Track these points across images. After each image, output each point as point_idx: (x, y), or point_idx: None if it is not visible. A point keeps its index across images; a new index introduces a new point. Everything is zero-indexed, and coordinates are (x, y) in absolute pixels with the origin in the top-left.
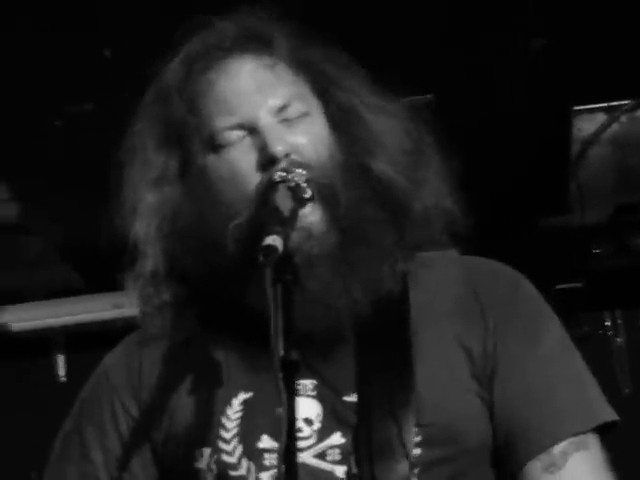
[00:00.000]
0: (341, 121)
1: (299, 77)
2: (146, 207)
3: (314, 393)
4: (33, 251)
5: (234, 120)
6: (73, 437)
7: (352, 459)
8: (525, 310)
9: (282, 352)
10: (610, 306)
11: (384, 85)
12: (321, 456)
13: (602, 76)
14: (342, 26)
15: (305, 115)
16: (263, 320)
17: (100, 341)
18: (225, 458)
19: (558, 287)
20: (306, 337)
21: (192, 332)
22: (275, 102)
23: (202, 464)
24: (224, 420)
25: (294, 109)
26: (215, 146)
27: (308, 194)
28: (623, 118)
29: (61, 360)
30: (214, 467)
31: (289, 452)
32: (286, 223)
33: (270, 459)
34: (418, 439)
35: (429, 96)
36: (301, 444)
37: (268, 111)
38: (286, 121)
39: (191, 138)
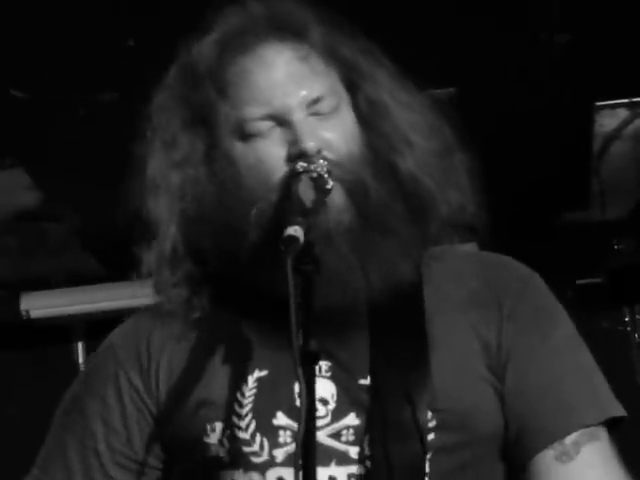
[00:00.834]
0: (369, 116)
1: (330, 69)
2: (169, 186)
3: (329, 374)
4: (55, 238)
5: (266, 111)
6: (75, 408)
7: (365, 440)
8: (537, 304)
9: (301, 342)
10: (630, 302)
11: (408, 77)
12: (335, 436)
13: (624, 72)
14: (365, 17)
15: (336, 109)
16: (278, 302)
17: None
18: (238, 434)
19: (578, 282)
20: (321, 316)
21: (205, 311)
22: (308, 95)
23: (213, 439)
24: (239, 396)
25: (326, 103)
26: (244, 134)
27: (330, 185)
28: None
29: (81, 347)
30: (226, 442)
31: (307, 446)
32: (308, 214)
33: (285, 436)
34: (432, 424)
35: (451, 89)
36: (316, 423)
37: (301, 104)
38: (317, 115)
39: (219, 122)
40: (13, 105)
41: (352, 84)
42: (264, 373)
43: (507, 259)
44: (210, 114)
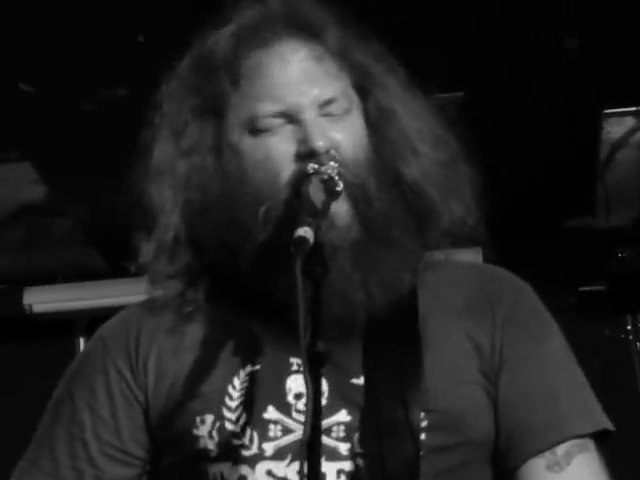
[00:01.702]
0: (378, 122)
1: (343, 72)
2: (175, 174)
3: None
4: (58, 233)
5: (279, 107)
6: (64, 399)
7: (356, 437)
8: (530, 314)
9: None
10: (632, 310)
11: (417, 84)
12: (326, 432)
13: (633, 80)
14: (375, 19)
15: (347, 113)
16: (278, 301)
17: None
18: (229, 426)
19: (581, 289)
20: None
21: (199, 305)
22: (322, 96)
23: (202, 431)
24: (230, 389)
25: (338, 105)
26: (254, 129)
27: (340, 187)
28: None
29: (82, 343)
30: (216, 435)
31: (313, 447)
32: (318, 215)
33: (275, 430)
34: (424, 424)
35: (460, 93)
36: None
37: (313, 103)
38: (328, 116)
39: (229, 114)
40: (20, 99)
41: (363, 89)
42: (256, 368)
43: (502, 270)
44: (221, 105)
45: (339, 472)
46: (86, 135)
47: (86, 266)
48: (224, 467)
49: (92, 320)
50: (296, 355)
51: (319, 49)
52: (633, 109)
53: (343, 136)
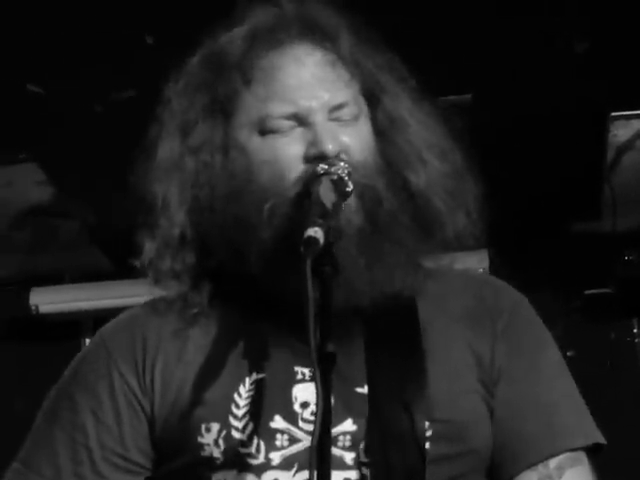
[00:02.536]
0: (388, 130)
1: (354, 79)
2: (183, 171)
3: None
4: (66, 234)
5: (290, 110)
6: (64, 404)
7: (361, 446)
8: (528, 327)
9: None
10: (638, 313)
11: (424, 84)
12: (333, 441)
13: None
14: (382, 22)
15: (356, 119)
16: (285, 303)
17: None
18: (235, 434)
19: (587, 292)
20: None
21: (203, 308)
22: (333, 100)
23: (208, 439)
24: (236, 397)
25: (348, 111)
26: (264, 130)
27: (350, 187)
28: None
29: (88, 344)
30: (222, 443)
31: (323, 454)
32: (328, 216)
33: (282, 440)
34: (428, 433)
35: (467, 96)
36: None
37: (324, 107)
38: (338, 121)
39: (239, 114)
40: (29, 100)
41: (373, 97)
42: (261, 376)
43: (500, 282)
44: (232, 104)
45: None
46: (95, 137)
47: (92, 267)
48: (229, 475)
49: (98, 321)
50: (301, 364)
51: (332, 54)
52: None
53: (352, 140)
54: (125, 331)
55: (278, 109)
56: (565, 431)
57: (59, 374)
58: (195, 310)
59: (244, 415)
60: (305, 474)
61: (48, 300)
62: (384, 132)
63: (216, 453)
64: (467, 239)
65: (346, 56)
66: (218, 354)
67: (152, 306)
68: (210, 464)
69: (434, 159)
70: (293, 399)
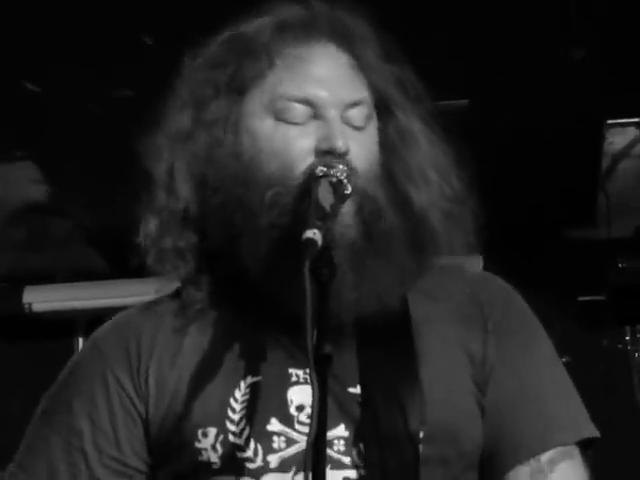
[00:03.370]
0: (396, 143)
1: (371, 88)
2: (195, 144)
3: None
4: (60, 233)
5: (303, 94)
6: (59, 407)
7: (355, 451)
8: (520, 321)
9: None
10: (631, 321)
11: (421, 87)
12: (328, 444)
13: (636, 91)
14: (381, 25)
15: (365, 126)
16: (281, 306)
17: None
18: (232, 439)
19: (580, 299)
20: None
21: (204, 305)
22: (348, 97)
23: (205, 444)
24: (232, 401)
25: (361, 111)
26: (277, 114)
27: (349, 190)
28: None
29: (81, 343)
30: (219, 447)
31: (318, 443)
32: (326, 218)
33: (279, 442)
34: (421, 435)
35: (464, 101)
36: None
37: (339, 103)
38: (349, 124)
39: (255, 96)
40: (26, 98)
41: (386, 110)
42: (256, 379)
43: (491, 276)
44: (252, 84)
45: (345, 479)
46: (91, 136)
47: (86, 266)
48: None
49: (91, 320)
50: (295, 366)
51: (356, 60)
52: (636, 120)
53: (358, 147)
54: (119, 334)
55: (293, 91)
56: (557, 425)
57: (52, 372)
58: (196, 307)
59: (240, 419)
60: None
61: (41, 298)
62: (392, 145)
63: (214, 458)
64: (461, 259)
65: (368, 65)
66: (213, 357)
67: (147, 307)
68: (208, 469)
69: (438, 179)
70: (289, 402)
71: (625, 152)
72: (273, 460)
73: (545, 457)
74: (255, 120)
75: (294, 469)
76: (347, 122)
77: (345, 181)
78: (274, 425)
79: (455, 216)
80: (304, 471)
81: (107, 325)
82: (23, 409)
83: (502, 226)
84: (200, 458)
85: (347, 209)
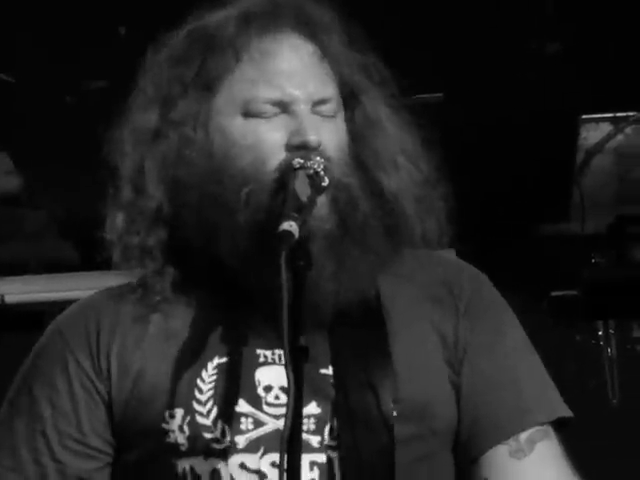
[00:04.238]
0: (364, 130)
1: (337, 77)
2: (162, 144)
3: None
4: (33, 225)
5: (276, 95)
6: (22, 392)
7: (326, 429)
8: (491, 304)
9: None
10: (604, 316)
11: (397, 81)
12: None
13: (610, 86)
14: (357, 19)
15: (334, 116)
16: (253, 292)
17: None
18: (200, 420)
19: (553, 294)
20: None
21: (165, 296)
22: (318, 94)
23: (172, 426)
24: (199, 382)
25: (329, 107)
26: (248, 112)
27: (326, 182)
28: (628, 130)
29: None
30: (186, 428)
31: (293, 438)
32: (303, 210)
33: (247, 423)
34: (394, 414)
35: (438, 95)
36: (277, 411)
37: (309, 98)
38: (319, 115)
39: (224, 92)
40: None
41: (352, 98)
42: (223, 360)
43: (458, 260)
44: (218, 81)
45: (312, 464)
46: (64, 128)
47: (59, 258)
48: (195, 461)
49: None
50: (262, 347)
51: (321, 49)
52: (610, 115)
53: (330, 136)
54: (80, 317)
55: (265, 93)
56: (534, 406)
57: (20, 364)
58: (157, 298)
59: (207, 400)
60: (272, 456)
61: (14, 290)
62: (360, 133)
63: (181, 439)
64: (434, 243)
65: (333, 54)
66: (179, 339)
67: (111, 292)
68: (175, 450)
69: (407, 164)
70: (256, 382)
71: (599, 147)
72: (241, 441)
73: (523, 436)
74: (225, 118)
75: (262, 450)
76: (317, 113)
77: (322, 173)
78: (242, 406)
79: (426, 200)
80: (279, 461)
81: (69, 310)
82: None
83: (475, 220)
84: (167, 439)
85: (322, 200)
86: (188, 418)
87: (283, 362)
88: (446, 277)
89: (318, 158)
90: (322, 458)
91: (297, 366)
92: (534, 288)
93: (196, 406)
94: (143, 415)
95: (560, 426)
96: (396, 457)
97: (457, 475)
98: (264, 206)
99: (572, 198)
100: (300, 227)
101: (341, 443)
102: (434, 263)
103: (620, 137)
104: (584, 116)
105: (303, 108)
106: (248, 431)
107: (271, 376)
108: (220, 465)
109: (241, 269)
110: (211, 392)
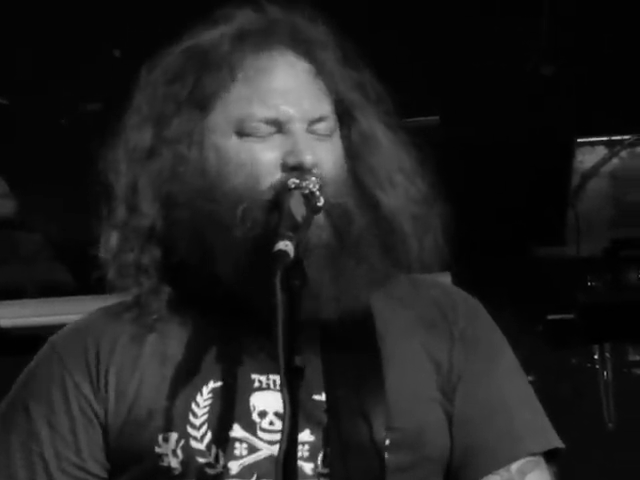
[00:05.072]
0: (360, 148)
1: (332, 95)
2: (156, 162)
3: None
4: (28, 248)
5: (272, 114)
6: (18, 410)
7: (320, 457)
8: (484, 330)
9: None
10: (600, 339)
11: (394, 104)
12: None
13: (605, 109)
14: (353, 39)
15: (330, 135)
16: (246, 311)
17: None
18: (193, 444)
19: (550, 317)
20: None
21: (161, 315)
22: (314, 113)
23: (166, 449)
24: (194, 406)
25: (325, 126)
26: (242, 131)
27: (321, 202)
28: (623, 153)
29: None
30: (180, 453)
31: (288, 458)
32: (298, 229)
33: (240, 449)
34: (387, 442)
35: (435, 118)
36: (272, 437)
37: (304, 117)
38: (314, 134)
39: (218, 111)
40: None
41: (348, 115)
42: (218, 384)
43: (452, 286)
44: (213, 99)
45: None
46: (59, 150)
47: (54, 281)
48: None
49: None
50: (257, 372)
51: (316, 67)
52: (605, 138)
53: (326, 156)
54: (77, 338)
55: (260, 112)
56: (526, 436)
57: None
58: (153, 317)
59: (202, 424)
60: None
61: (9, 314)
62: (356, 151)
63: (174, 463)
64: (431, 263)
65: (328, 71)
66: (175, 361)
67: (106, 312)
68: (168, 474)
69: (404, 182)
70: (251, 408)
71: (594, 171)
72: (234, 467)
73: (515, 467)
74: (219, 136)
75: (255, 476)
76: (313, 132)
77: (317, 193)
78: (236, 431)
79: (423, 218)
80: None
81: (65, 329)
82: None
83: (471, 243)
84: (160, 463)
85: (318, 219)
86: (182, 442)
87: (278, 387)
88: (440, 301)
89: (313, 178)
90: None
91: (293, 393)
92: (530, 311)
93: (190, 430)
94: (137, 438)
95: (552, 457)
96: None
97: None
98: (260, 222)
99: (568, 221)
100: (295, 247)
101: (333, 471)
102: (428, 287)
103: (615, 160)
104: (580, 139)
105: (298, 127)
106: (242, 457)
107: (266, 401)
108: None
109: (237, 286)
110: (206, 416)
